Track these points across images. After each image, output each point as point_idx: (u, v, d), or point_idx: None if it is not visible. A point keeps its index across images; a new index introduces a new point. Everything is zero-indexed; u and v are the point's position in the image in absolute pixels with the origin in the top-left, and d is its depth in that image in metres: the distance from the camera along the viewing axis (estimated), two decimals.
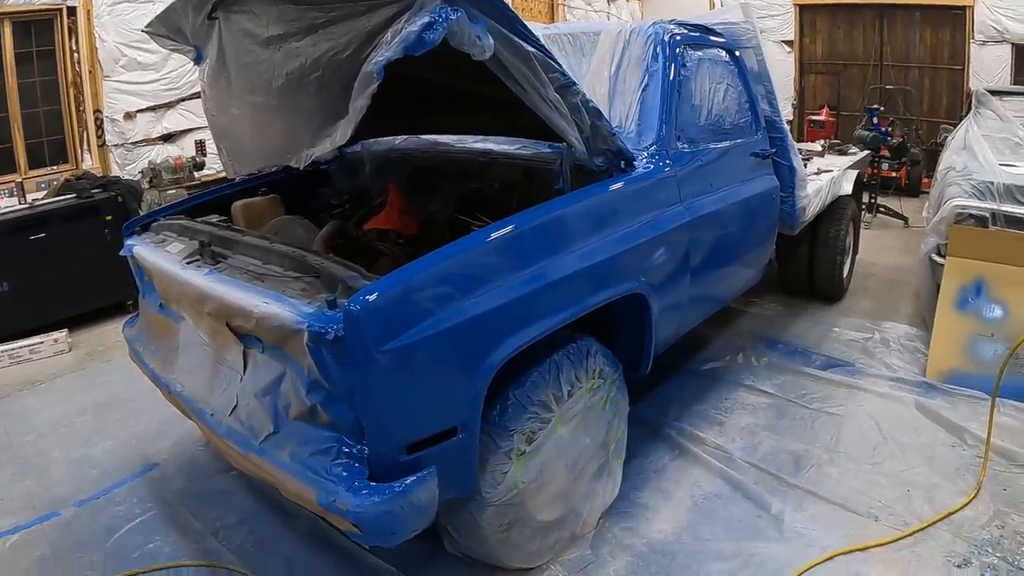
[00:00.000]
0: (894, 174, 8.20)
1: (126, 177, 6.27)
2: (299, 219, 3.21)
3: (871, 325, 4.74)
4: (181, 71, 6.69)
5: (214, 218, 3.33)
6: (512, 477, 2.39)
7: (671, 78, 3.21)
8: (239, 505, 3.18)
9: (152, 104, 6.73)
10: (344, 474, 2.04)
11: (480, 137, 3.52)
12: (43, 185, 5.71)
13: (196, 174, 6.52)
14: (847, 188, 5.13)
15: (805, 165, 5.06)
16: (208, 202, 3.51)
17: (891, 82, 8.95)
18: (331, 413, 2.12)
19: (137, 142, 6.69)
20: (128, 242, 3.15)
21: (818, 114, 9.22)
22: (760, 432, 3.58)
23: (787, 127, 4.30)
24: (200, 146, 6.81)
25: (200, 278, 2.52)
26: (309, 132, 2.59)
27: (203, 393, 2.64)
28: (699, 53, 3.56)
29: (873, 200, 7.51)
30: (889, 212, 7.51)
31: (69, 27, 6.15)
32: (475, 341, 2.18)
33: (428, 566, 2.73)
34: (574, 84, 2.46)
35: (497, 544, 2.48)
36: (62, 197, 5.36)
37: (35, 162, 6.16)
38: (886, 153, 7.85)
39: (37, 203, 5.26)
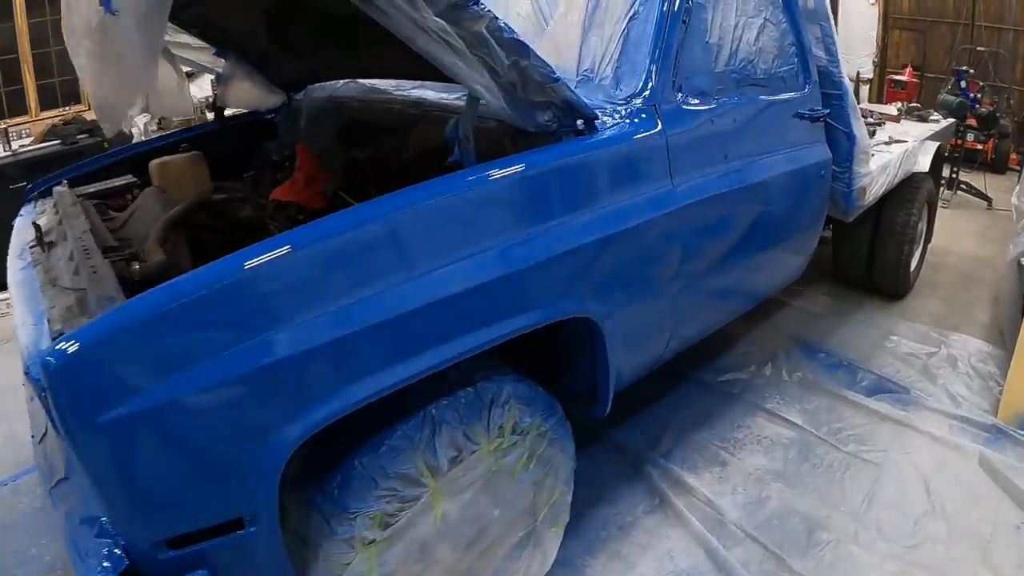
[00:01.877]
0: (979, 147, 6.67)
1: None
2: (160, 192, 2.33)
3: (937, 336, 3.57)
4: None
5: (119, 181, 2.58)
6: (356, 571, 1.54)
7: (675, 2, 2.13)
8: None
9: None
10: (102, 563, 1.30)
11: (419, 83, 2.50)
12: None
13: (208, 115, 5.79)
14: (923, 164, 3.84)
15: (873, 133, 3.87)
16: (125, 159, 2.77)
17: (981, 44, 7.28)
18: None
19: None
20: (22, 211, 2.49)
21: (901, 74, 7.67)
22: (771, 483, 2.57)
23: (848, 83, 3.11)
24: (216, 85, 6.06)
25: (15, 273, 1.90)
26: (127, 84, 1.78)
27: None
28: None
29: (954, 175, 6.09)
30: (971, 190, 6.07)
31: None
32: (260, 405, 1.31)
33: None
34: (474, 2, 1.46)
35: None
36: (46, 143, 4.74)
37: (48, 104, 5.60)
38: (972, 123, 6.33)
39: (21, 150, 4.64)
